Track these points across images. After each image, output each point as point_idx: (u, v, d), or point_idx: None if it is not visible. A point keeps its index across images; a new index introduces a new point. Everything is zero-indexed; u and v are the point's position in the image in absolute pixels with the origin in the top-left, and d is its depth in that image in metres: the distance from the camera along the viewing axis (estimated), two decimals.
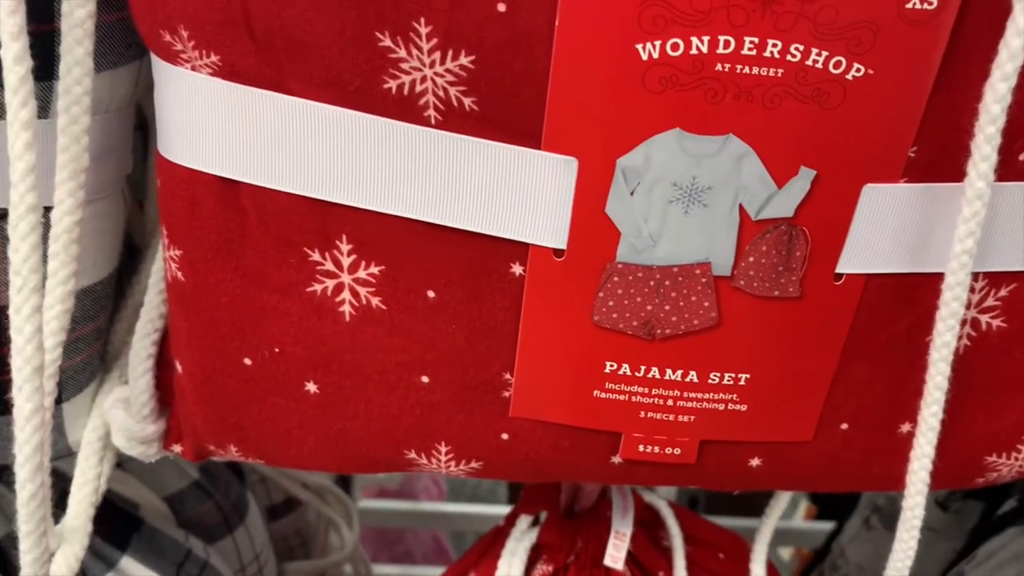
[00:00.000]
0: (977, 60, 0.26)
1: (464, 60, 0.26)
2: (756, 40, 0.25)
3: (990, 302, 0.31)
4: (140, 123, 0.38)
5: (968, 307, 0.31)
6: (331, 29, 0.26)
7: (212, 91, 0.28)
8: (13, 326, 0.29)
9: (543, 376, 0.31)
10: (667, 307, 0.30)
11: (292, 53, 0.27)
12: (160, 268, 0.35)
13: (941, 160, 0.28)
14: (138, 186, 0.39)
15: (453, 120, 0.27)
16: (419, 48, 0.26)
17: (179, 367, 0.34)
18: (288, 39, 0.27)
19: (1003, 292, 0.31)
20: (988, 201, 0.27)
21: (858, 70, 0.25)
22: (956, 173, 0.27)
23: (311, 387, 0.33)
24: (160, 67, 0.29)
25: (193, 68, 0.28)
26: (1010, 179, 0.28)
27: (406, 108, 0.27)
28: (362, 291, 0.31)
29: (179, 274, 0.32)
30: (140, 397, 0.36)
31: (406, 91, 0.27)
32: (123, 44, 0.31)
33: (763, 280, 0.29)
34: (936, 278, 0.29)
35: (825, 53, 0.25)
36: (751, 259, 0.29)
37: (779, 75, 0.25)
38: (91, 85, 0.29)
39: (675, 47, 0.25)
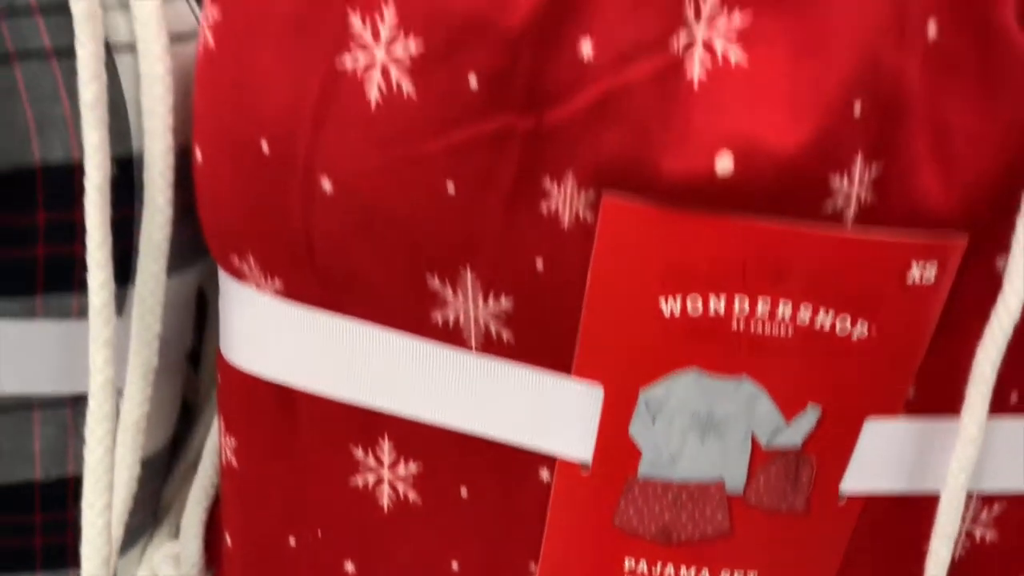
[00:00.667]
0: (970, 317, 0.28)
1: (504, 303, 0.29)
2: (769, 301, 0.28)
3: (983, 517, 0.33)
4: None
5: (963, 521, 0.33)
6: (386, 269, 0.29)
7: (275, 310, 0.31)
8: (85, 501, 0.32)
9: (566, 570, 0.34)
10: (683, 517, 0.32)
11: (349, 285, 0.30)
12: (215, 437, 0.37)
13: (938, 398, 0.30)
14: (193, 350, 0.42)
15: (492, 348, 0.30)
16: (464, 291, 0.29)
17: (228, 539, 0.37)
18: (347, 273, 0.30)
19: (996, 509, 0.33)
20: (980, 444, 0.29)
21: (862, 331, 0.28)
22: (952, 407, 0.30)
23: (350, 567, 0.35)
24: (226, 280, 0.32)
25: (258, 288, 0.31)
26: (1001, 415, 0.30)
27: (450, 336, 0.30)
28: (400, 486, 0.33)
29: (233, 460, 0.35)
30: (191, 557, 0.38)
31: (451, 324, 0.30)
32: (192, 251, 0.34)
33: (772, 498, 0.31)
34: (933, 497, 0.31)
35: (831, 315, 0.28)
36: (761, 480, 0.31)
37: (789, 335, 0.28)
38: (163, 295, 0.32)
39: (695, 307, 0.28)
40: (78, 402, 0.33)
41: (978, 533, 0.33)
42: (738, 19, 0.25)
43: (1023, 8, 0.24)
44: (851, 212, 0.26)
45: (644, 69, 0.25)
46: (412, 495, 0.33)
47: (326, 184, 0.28)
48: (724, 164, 0.25)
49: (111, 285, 0.30)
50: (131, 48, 0.31)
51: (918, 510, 0.32)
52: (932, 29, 0.25)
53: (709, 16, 0.25)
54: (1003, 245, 0.27)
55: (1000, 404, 0.30)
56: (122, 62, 0.31)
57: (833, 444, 0.30)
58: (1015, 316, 0.27)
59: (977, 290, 0.28)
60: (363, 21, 0.26)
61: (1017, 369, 0.29)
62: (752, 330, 0.28)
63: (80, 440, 0.32)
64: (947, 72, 0.25)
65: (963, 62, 0.25)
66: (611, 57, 0.25)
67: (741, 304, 0.28)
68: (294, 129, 0.27)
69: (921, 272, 0.27)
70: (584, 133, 0.26)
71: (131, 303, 0.33)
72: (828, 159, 0.25)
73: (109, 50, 0.30)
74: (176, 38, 0.31)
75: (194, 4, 0.34)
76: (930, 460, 0.31)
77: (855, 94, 0.24)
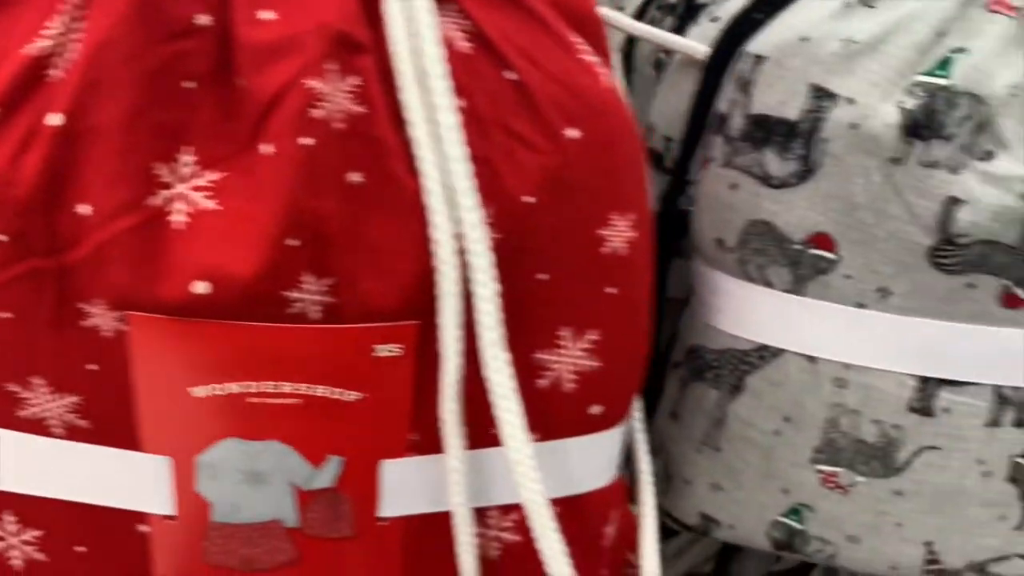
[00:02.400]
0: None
1: (73, 399, 0.36)
2: (274, 382, 0.36)
3: (507, 524, 0.42)
4: None
5: (491, 528, 0.42)
6: None
7: None
8: None
9: None
10: (259, 551, 0.40)
11: None
12: None
13: (436, 437, 0.39)
14: None
15: (75, 434, 0.37)
16: (37, 393, 0.36)
17: None
18: None
19: (514, 516, 0.42)
20: (465, 471, 0.38)
21: (355, 396, 0.36)
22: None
23: None
24: None
25: None
26: (485, 448, 0.40)
27: (38, 427, 0.37)
28: (28, 548, 0.40)
29: None
30: None
31: (35, 418, 0.37)
32: None
33: (323, 528, 0.40)
34: None
35: (327, 387, 0.36)
36: (311, 515, 0.39)
37: (299, 403, 0.36)
38: None
39: (220, 391, 0.36)
40: None
41: (506, 537, 0.43)
42: (209, 177, 0.33)
43: (410, 159, 0.34)
44: (319, 312, 0.35)
45: (127, 222, 0.33)
46: (39, 555, 0.40)
47: None
48: (200, 288, 0.33)
49: None
50: None
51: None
52: (352, 177, 0.34)
53: (188, 175, 0.33)
54: None
55: (483, 438, 0.39)
56: None
57: (360, 482, 0.39)
58: (455, 375, 0.36)
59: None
60: None
61: (482, 412, 0.38)
62: (268, 402, 0.36)
63: None
64: (366, 207, 0.34)
65: (377, 199, 0.34)
66: (102, 215, 0.33)
67: (256, 386, 0.36)
68: None
69: (388, 350, 0.36)
70: (97, 270, 0.34)
71: None
72: (279, 279, 0.33)
73: None
74: None
75: None
76: (444, 483, 0.40)
77: (287, 231, 0.33)
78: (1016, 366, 0.43)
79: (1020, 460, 0.46)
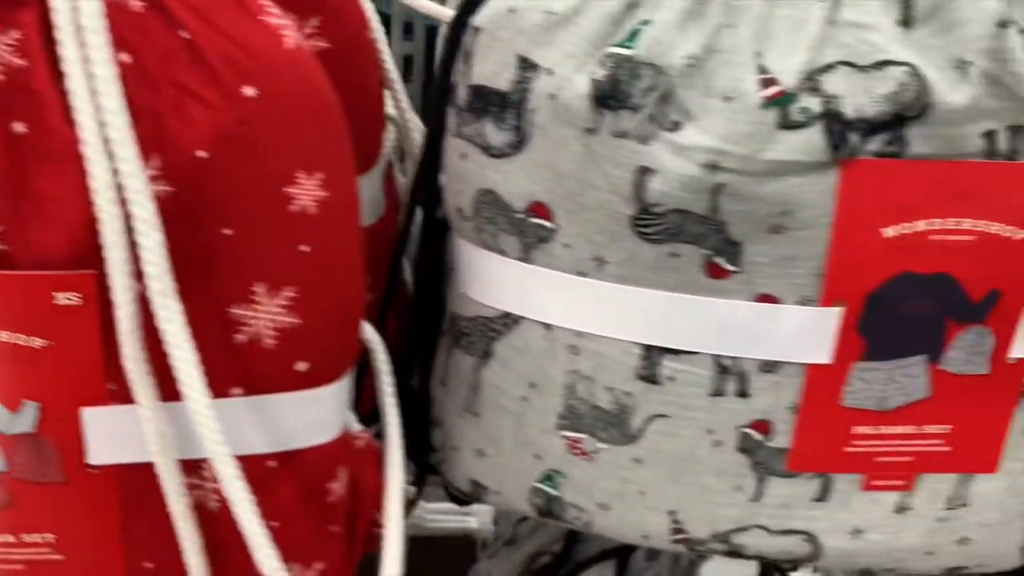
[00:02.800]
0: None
1: None
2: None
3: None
4: None
5: (207, 480, 0.43)
6: None
7: None
8: None
9: None
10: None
11: None
12: None
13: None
14: None
15: None
16: None
17: None
18: None
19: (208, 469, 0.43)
20: (163, 422, 0.40)
21: (42, 343, 0.38)
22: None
23: None
24: None
25: None
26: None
27: None
28: None
29: None
30: None
31: None
32: None
33: (31, 472, 0.41)
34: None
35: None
36: (18, 459, 0.41)
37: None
38: None
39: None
40: None
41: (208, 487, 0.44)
42: None
43: (69, 111, 0.35)
44: None
45: None
46: None
47: None
48: None
49: None
50: None
51: None
52: (16, 127, 0.35)
53: None
54: None
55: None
56: None
57: (61, 428, 0.40)
58: (129, 324, 0.37)
59: None
60: None
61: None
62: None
63: None
64: (30, 157, 0.36)
65: (38, 149, 0.35)
66: None
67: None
68: None
69: (67, 298, 0.37)
70: None
71: None
72: None
73: None
74: None
75: None
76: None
77: None
78: (730, 336, 0.44)
79: (747, 431, 0.47)
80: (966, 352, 0.44)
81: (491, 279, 0.48)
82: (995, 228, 0.41)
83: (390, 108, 0.53)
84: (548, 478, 0.51)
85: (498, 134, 0.43)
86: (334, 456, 0.45)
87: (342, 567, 0.48)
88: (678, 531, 0.50)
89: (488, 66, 0.43)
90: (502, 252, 0.47)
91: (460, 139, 0.45)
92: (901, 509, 0.49)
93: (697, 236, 0.42)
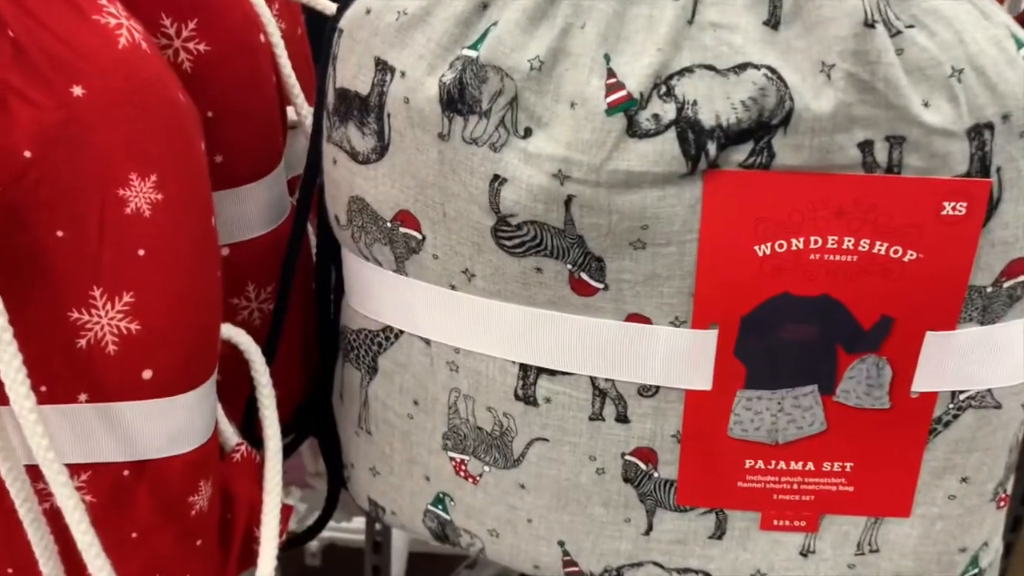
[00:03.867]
0: None
1: None
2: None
3: (79, 483, 0.43)
4: None
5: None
6: None
7: None
8: None
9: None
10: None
11: None
12: None
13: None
14: None
15: None
16: None
17: None
18: None
19: (84, 476, 0.42)
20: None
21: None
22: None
23: None
24: None
25: None
26: None
27: None
28: None
29: None
30: None
31: None
32: None
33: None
34: None
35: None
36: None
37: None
38: None
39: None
40: None
41: (84, 497, 0.43)
42: None
43: None
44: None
45: None
46: None
47: None
48: None
49: None
50: None
51: None
52: None
53: None
54: None
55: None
56: None
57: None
58: None
59: None
60: None
61: None
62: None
63: None
64: None
65: None
66: None
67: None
68: None
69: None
70: None
71: None
72: None
73: None
74: None
75: None
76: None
77: None
78: (603, 357, 0.42)
79: (631, 459, 0.44)
80: (862, 384, 0.41)
81: (371, 291, 0.46)
82: (880, 248, 0.38)
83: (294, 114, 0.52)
84: (439, 501, 0.49)
85: (362, 139, 0.42)
86: (196, 468, 0.44)
87: None
88: (569, 563, 0.47)
89: (349, 68, 0.41)
90: (377, 262, 0.45)
91: (331, 144, 0.44)
92: (806, 552, 0.45)
93: (558, 249, 0.39)
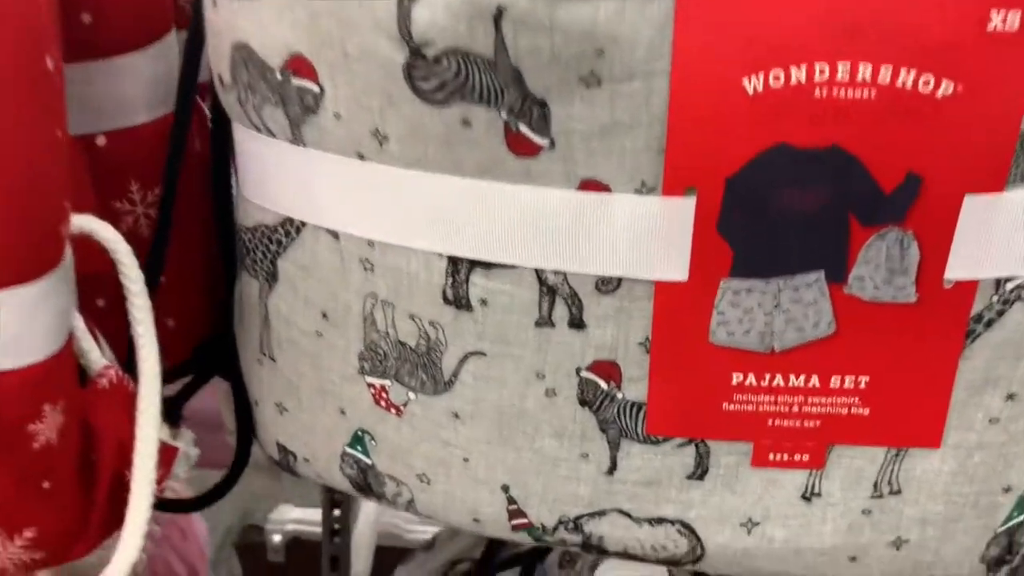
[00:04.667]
0: None
1: None
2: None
3: None
4: None
5: None
6: None
7: None
8: None
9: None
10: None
11: None
12: None
13: None
14: None
15: None
16: None
17: None
18: None
19: None
20: None
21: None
22: None
23: None
24: None
25: None
26: None
27: None
28: None
29: None
30: None
31: None
32: None
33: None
34: None
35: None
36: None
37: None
38: None
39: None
40: None
41: None
42: None
43: None
44: None
45: None
46: None
47: None
48: None
49: None
50: None
51: None
52: None
53: None
54: None
55: None
56: None
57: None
58: None
59: None
60: None
61: None
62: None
63: None
64: None
65: None
66: None
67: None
68: None
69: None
70: None
71: None
72: None
73: None
74: None
75: None
76: None
77: None
78: (551, 240, 0.33)
79: (588, 375, 0.35)
80: (881, 268, 0.31)
81: (264, 173, 0.37)
82: (906, 78, 0.29)
83: None
84: (358, 440, 0.40)
85: None
86: (37, 388, 0.35)
87: (70, 534, 0.38)
88: (516, 513, 0.38)
89: None
90: (270, 132, 0.36)
91: None
92: (809, 495, 0.36)
93: (488, 91, 0.30)
